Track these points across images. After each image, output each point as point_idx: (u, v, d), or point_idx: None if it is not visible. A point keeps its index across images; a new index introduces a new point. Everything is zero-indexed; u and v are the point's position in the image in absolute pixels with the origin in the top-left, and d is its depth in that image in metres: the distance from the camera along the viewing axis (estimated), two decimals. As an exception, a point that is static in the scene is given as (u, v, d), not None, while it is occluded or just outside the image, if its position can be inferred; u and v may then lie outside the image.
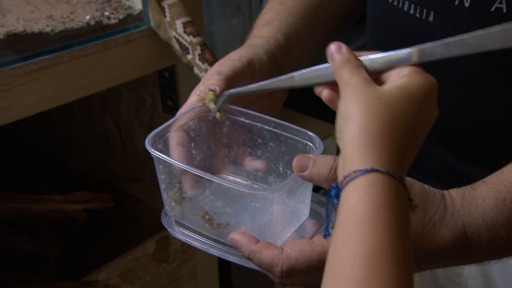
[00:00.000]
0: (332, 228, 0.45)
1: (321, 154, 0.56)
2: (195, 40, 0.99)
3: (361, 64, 0.49)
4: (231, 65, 0.67)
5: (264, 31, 0.78)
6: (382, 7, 0.72)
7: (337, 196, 0.44)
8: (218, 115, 0.63)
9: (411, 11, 0.66)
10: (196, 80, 1.00)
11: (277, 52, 0.74)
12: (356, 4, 0.83)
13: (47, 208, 0.93)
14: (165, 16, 0.99)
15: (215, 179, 0.57)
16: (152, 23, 1.03)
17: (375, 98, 0.44)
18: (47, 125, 1.42)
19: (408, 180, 0.50)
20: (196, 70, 1.01)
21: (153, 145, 0.59)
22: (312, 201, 0.61)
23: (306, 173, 0.52)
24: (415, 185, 0.51)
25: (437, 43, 0.48)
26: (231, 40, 1.65)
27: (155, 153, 0.58)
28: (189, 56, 1.00)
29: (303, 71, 0.53)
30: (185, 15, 0.99)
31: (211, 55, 0.99)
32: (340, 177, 0.44)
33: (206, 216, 0.59)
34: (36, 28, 0.92)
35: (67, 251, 1.09)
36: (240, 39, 1.63)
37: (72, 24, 0.95)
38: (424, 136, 0.48)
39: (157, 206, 1.25)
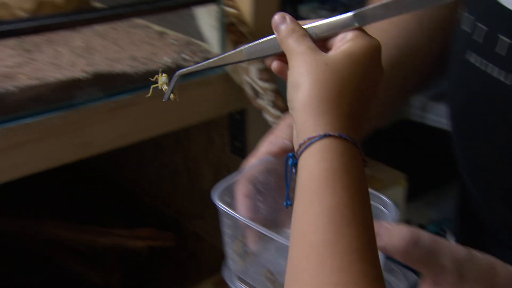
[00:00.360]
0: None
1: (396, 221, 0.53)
2: (269, 86, 0.99)
3: (306, 33, 0.49)
4: None
5: None
6: (464, 68, 0.68)
7: (295, 165, 0.45)
8: (172, 96, 0.62)
9: (496, 75, 0.62)
10: (266, 124, 1.01)
11: None
12: (438, 63, 0.80)
13: (113, 242, 0.96)
14: (241, 61, 1.01)
15: (279, 238, 0.56)
16: (228, 67, 1.05)
17: (322, 65, 0.45)
18: (119, 158, 1.48)
19: (494, 262, 0.48)
20: (267, 115, 1.01)
21: (220, 197, 0.59)
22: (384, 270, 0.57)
23: (379, 243, 0.48)
24: (502, 269, 0.48)
25: (376, 5, 0.48)
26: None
27: (221, 206, 0.58)
28: (261, 101, 1.01)
29: (251, 44, 0.53)
30: (260, 61, 1.00)
31: (283, 103, 0.99)
32: (295, 146, 0.45)
33: (269, 275, 0.57)
34: (118, 68, 0.96)
35: (128, 283, 1.11)
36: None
37: (152, 66, 0.99)
38: (373, 99, 0.48)
39: (218, 245, 1.25)
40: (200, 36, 1.12)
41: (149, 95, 0.65)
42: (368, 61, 0.47)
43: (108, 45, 1.10)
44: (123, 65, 0.98)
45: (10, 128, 0.81)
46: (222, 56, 0.56)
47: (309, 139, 0.43)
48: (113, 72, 0.94)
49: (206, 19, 1.07)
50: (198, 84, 1.03)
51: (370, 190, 0.59)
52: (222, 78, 1.06)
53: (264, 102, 1.00)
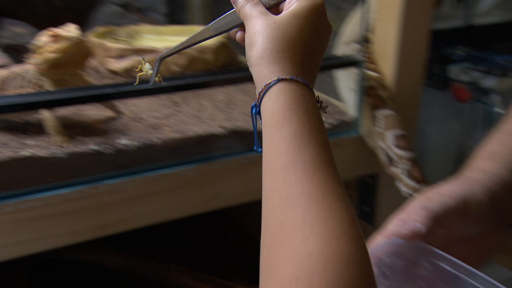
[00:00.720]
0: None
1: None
2: (405, 154, 0.94)
3: (258, 1, 0.57)
4: (441, 201, 0.60)
5: (486, 165, 0.69)
6: None
7: (258, 112, 0.50)
8: (156, 79, 0.68)
9: None
10: (399, 194, 0.95)
11: (500, 192, 0.64)
12: None
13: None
14: (377, 125, 0.97)
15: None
16: (363, 131, 1.02)
17: (271, 24, 0.52)
18: (254, 210, 1.50)
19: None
20: (400, 185, 0.95)
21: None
22: None
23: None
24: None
25: None
26: (446, 144, 1.54)
27: None
28: (395, 169, 0.95)
29: (215, 20, 0.61)
30: (399, 127, 0.95)
31: (420, 173, 0.92)
32: (257, 95, 0.50)
33: None
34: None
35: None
36: (455, 145, 1.51)
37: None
38: (323, 51, 0.55)
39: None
40: (336, 96, 1.11)
41: (136, 83, 0.73)
42: (312, 17, 0.53)
43: (248, 101, 1.14)
44: (259, 122, 1.01)
45: (150, 177, 0.86)
46: (193, 35, 0.63)
47: (265, 85, 0.49)
48: (248, 129, 0.97)
49: (345, 80, 1.06)
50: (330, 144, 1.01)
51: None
52: (355, 141, 1.03)
53: (398, 171, 0.95)
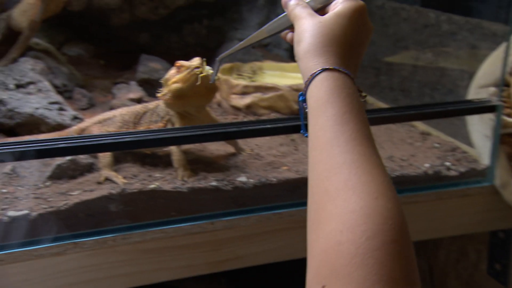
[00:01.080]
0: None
1: None
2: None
3: (307, 5, 0.65)
4: None
5: None
6: None
7: (304, 100, 0.57)
8: (216, 78, 0.79)
9: None
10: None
11: None
12: None
13: None
14: (514, 177, 0.88)
15: None
16: (497, 182, 0.92)
17: (318, 23, 0.60)
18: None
19: None
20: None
21: None
22: None
23: None
24: None
25: None
26: None
27: None
28: (536, 228, 0.85)
29: (269, 23, 0.71)
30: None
31: None
32: (303, 85, 0.57)
33: None
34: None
35: None
36: None
37: (409, 170, 0.94)
38: (363, 48, 0.62)
39: None
40: (468, 142, 1.03)
41: (199, 83, 0.85)
42: (354, 17, 0.61)
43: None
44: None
45: (265, 216, 0.87)
46: (250, 37, 0.72)
47: (311, 75, 0.55)
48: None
49: (478, 126, 0.97)
50: (455, 194, 0.93)
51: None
52: (487, 192, 0.94)
53: (539, 230, 0.84)
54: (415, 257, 0.44)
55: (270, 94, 1.22)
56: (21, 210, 0.75)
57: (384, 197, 0.45)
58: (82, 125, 0.99)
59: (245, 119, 1.22)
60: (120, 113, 0.97)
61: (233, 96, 1.25)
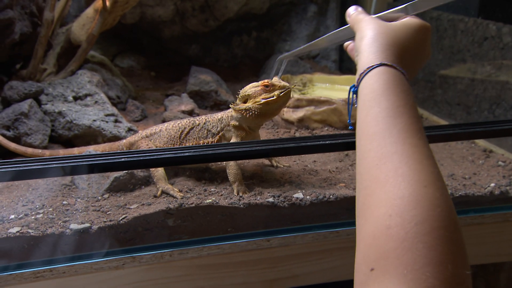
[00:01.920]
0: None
1: None
2: None
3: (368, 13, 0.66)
4: None
5: None
6: None
7: (355, 92, 0.58)
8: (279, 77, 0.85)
9: None
10: None
11: None
12: None
13: None
14: None
15: None
16: None
17: (383, 25, 0.62)
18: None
19: None
20: None
21: None
22: None
23: None
24: None
25: None
26: None
27: None
28: None
29: (330, 33, 0.73)
30: None
31: None
32: (357, 77, 0.57)
33: None
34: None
35: None
36: None
37: (473, 190, 0.90)
38: (419, 64, 0.64)
39: None
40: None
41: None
42: (420, 32, 0.62)
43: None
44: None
45: (322, 234, 0.84)
46: (311, 43, 0.76)
47: (369, 67, 0.56)
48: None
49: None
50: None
51: None
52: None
53: None
54: (464, 243, 0.44)
55: (323, 108, 1.20)
56: (82, 223, 0.76)
57: (433, 185, 0.45)
58: (131, 139, 1.00)
59: (298, 133, 1.21)
60: (166, 128, 0.97)
61: (285, 109, 1.23)
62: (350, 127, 0.67)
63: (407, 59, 0.59)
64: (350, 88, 0.60)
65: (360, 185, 0.50)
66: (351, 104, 0.63)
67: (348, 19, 0.68)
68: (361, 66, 0.58)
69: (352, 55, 0.69)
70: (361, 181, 0.50)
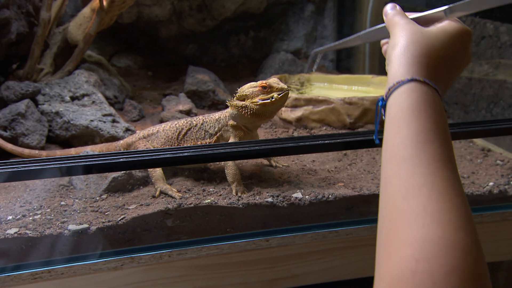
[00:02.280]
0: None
1: None
2: None
3: (407, 16, 0.61)
4: None
5: None
6: None
7: (384, 106, 0.54)
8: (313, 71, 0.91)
9: None
10: None
11: None
12: None
13: None
14: None
15: None
16: None
17: (418, 32, 0.57)
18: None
19: None
20: None
21: None
22: None
23: None
24: None
25: (465, 1, 0.61)
26: None
27: None
28: None
29: (365, 31, 0.71)
30: None
31: None
32: (386, 90, 0.53)
33: None
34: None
35: None
36: None
37: (472, 189, 0.90)
38: (457, 73, 0.59)
39: None
40: (532, 159, 0.98)
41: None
42: (458, 39, 0.58)
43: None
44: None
45: (321, 234, 0.84)
46: (345, 40, 0.75)
47: (398, 82, 0.52)
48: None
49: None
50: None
51: None
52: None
53: None
54: None
55: (321, 107, 1.20)
56: (80, 224, 0.76)
57: (464, 229, 0.42)
58: (128, 140, 1.00)
59: (296, 133, 1.20)
60: (164, 128, 0.97)
61: (284, 109, 1.23)
62: (376, 142, 0.63)
63: (442, 71, 0.56)
64: (378, 101, 0.56)
65: (384, 215, 0.46)
66: (378, 117, 0.58)
67: (384, 18, 0.64)
68: (390, 79, 0.54)
69: (385, 57, 0.65)
70: (385, 211, 0.46)
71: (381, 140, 0.53)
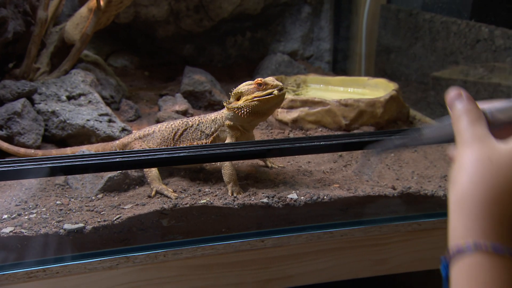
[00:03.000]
0: None
1: None
2: None
3: (481, 116, 0.44)
4: None
5: None
6: None
7: (447, 276, 0.40)
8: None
9: None
10: None
11: None
12: None
13: None
14: None
15: None
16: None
17: (485, 161, 0.40)
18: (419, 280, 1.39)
19: None
20: None
21: None
22: None
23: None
24: None
25: None
26: None
27: None
28: None
29: (430, 129, 0.51)
30: None
31: None
32: (449, 247, 0.40)
33: None
34: (428, 188, 0.92)
35: None
36: None
37: (466, 191, 0.91)
38: None
39: None
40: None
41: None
42: None
43: (419, 159, 1.07)
44: (433, 185, 0.93)
45: (316, 235, 0.85)
46: (405, 139, 0.54)
47: (458, 250, 0.38)
48: (422, 193, 0.90)
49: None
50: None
51: None
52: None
53: None
54: None
55: (317, 109, 1.20)
56: (76, 223, 0.76)
57: None
58: (124, 140, 1.00)
59: (292, 134, 1.21)
60: (159, 129, 0.97)
61: (280, 110, 1.23)
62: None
63: None
64: (441, 264, 0.41)
65: None
66: (446, 281, 0.41)
67: (450, 112, 0.47)
68: (451, 233, 0.40)
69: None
70: None
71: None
